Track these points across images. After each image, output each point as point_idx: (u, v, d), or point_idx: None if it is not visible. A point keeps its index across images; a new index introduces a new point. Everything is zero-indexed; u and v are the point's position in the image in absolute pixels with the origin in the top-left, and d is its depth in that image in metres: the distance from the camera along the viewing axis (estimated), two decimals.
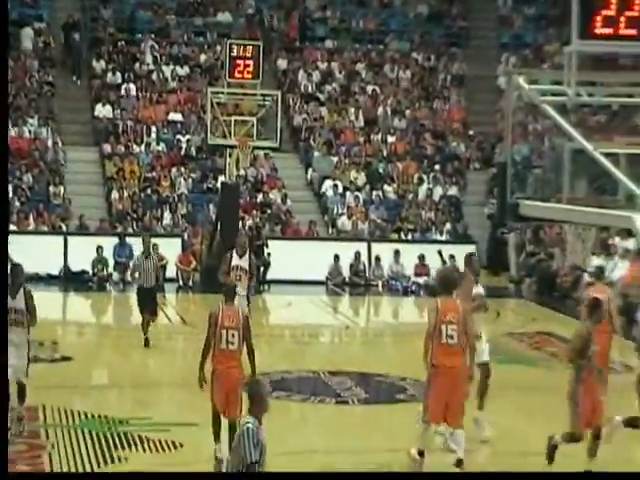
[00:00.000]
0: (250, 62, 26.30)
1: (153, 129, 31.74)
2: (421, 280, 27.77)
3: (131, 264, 20.24)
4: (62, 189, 29.59)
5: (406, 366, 18.37)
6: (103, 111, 32.01)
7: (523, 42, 35.72)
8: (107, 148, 31.07)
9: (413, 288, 27.69)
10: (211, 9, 35.66)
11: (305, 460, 12.75)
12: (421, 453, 11.79)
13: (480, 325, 13.10)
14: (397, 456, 12.61)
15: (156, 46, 34.18)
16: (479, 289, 13.44)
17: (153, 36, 34.50)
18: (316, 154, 31.99)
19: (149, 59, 33.84)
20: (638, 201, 7.71)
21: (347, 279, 27.94)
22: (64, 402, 14.99)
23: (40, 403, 14.71)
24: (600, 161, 7.86)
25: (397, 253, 28.05)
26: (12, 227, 27.64)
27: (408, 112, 33.67)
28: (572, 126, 8.07)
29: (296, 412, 15.22)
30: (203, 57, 34.16)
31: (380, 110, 33.57)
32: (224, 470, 11.23)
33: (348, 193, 30.85)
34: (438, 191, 31.36)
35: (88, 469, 12.46)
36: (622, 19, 7.89)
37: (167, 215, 29.42)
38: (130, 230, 28.34)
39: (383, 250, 28.26)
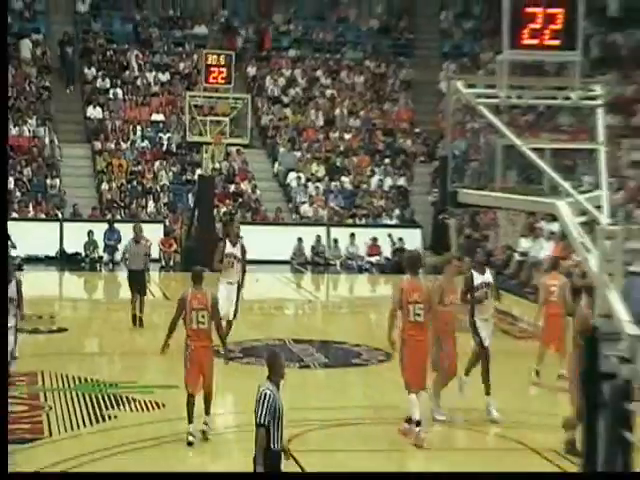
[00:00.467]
0: (223, 69, 26.27)
1: (138, 128, 31.68)
2: (373, 259, 27.88)
3: (122, 249, 20.00)
4: (58, 181, 29.54)
5: (360, 334, 18.51)
6: (94, 112, 31.88)
7: (462, 52, 35.80)
8: (97, 145, 30.98)
9: (366, 266, 27.79)
10: (189, 22, 35.55)
11: None
12: (410, 420, 11.60)
13: (487, 311, 12.66)
14: (353, 412, 12.68)
15: (140, 55, 34.05)
16: (485, 277, 12.72)
17: (138, 46, 34.35)
18: (281, 150, 31.98)
19: (134, 67, 33.70)
20: (560, 189, 7.74)
21: (309, 259, 28.00)
22: (60, 368, 14.97)
23: (39, 369, 14.69)
24: (528, 155, 7.88)
25: (352, 236, 28.12)
26: (14, 215, 27.62)
27: (362, 113, 33.71)
28: (504, 125, 8.08)
29: (263, 375, 15.20)
30: (182, 65, 34.06)
31: (337, 111, 33.59)
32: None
33: (310, 184, 30.88)
34: (388, 182, 31.44)
35: (82, 427, 12.43)
36: (546, 32, 7.92)
37: (151, 204, 29.41)
38: (118, 217, 28.37)
39: (340, 233, 28.33)
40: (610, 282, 7.22)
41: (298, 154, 31.87)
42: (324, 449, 11.76)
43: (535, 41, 7.89)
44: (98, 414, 12.86)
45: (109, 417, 12.76)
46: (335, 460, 11.26)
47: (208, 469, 11.09)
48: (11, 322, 11.96)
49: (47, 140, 30.66)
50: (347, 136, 32.85)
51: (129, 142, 31.25)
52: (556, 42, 7.91)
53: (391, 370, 15.48)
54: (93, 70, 33.14)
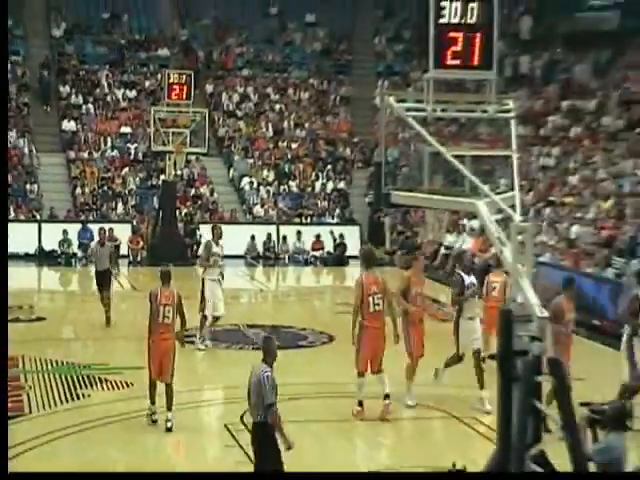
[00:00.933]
0: (184, 87, 26.11)
1: (108, 139, 31.42)
2: (317, 253, 27.90)
3: (90, 250, 19.39)
4: (36, 186, 29.25)
5: (306, 320, 18.53)
6: (68, 125, 31.55)
7: (393, 71, 35.91)
8: (72, 154, 30.67)
9: (311, 260, 27.80)
10: (153, 45, 35.29)
11: (231, 393, 12.75)
12: (360, 403, 11.50)
13: (473, 309, 12.37)
14: (301, 388, 12.66)
15: (110, 74, 33.74)
16: (471, 278, 12.43)
17: (108, 66, 34.01)
18: (236, 157, 31.88)
19: (104, 85, 33.40)
20: (479, 191, 7.79)
21: (261, 254, 27.92)
22: (39, 352, 14.85)
23: (20, 354, 14.49)
24: (451, 161, 7.92)
25: (299, 233, 28.11)
26: None
27: (307, 125, 33.69)
28: (430, 134, 8.10)
29: (223, 356, 15.17)
30: (147, 83, 33.79)
31: (285, 123, 33.55)
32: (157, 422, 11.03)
33: (261, 187, 30.83)
34: (330, 185, 31.47)
35: (59, 404, 12.31)
36: (466, 53, 7.96)
37: (120, 206, 29.20)
38: (91, 218, 28.17)
39: (288, 231, 28.30)
40: (522, 271, 7.29)
41: (251, 161, 31.79)
42: None
43: (457, 61, 7.92)
44: (73, 393, 12.78)
45: (83, 395, 12.69)
46: (287, 429, 11.24)
47: (169, 441, 11.02)
48: None
49: (26, 150, 30.29)
50: (294, 145, 32.81)
51: (100, 152, 30.98)
52: (475, 62, 7.95)
53: (333, 351, 15.58)
54: (67, 88, 32.77)
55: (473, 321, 12.31)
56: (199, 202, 29.77)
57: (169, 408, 11.06)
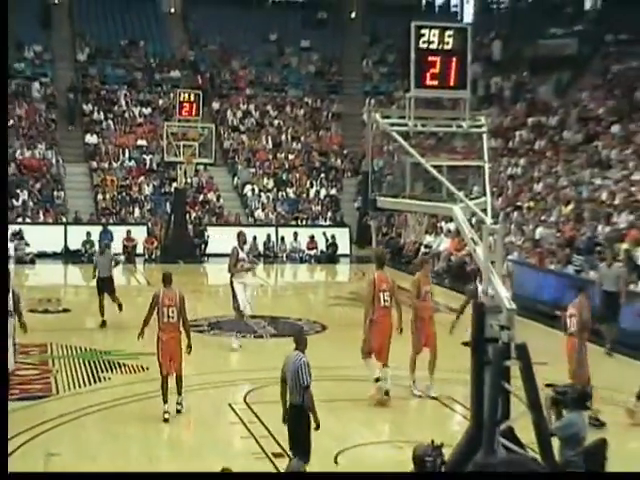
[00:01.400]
0: (193, 105, 26.01)
1: (126, 151, 31.29)
2: (312, 252, 27.86)
3: (93, 258, 17.46)
4: (63, 193, 29.11)
5: (301, 311, 18.51)
6: (91, 139, 31.44)
7: (379, 91, 35.83)
8: (94, 164, 30.55)
9: (306, 258, 27.75)
10: (166, 68, 35.22)
11: (234, 376, 12.73)
12: (377, 379, 11.34)
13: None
14: None
15: (128, 94, 33.64)
16: (472, 285, 12.07)
17: (126, 87, 33.91)
18: (239, 167, 31.82)
19: (123, 103, 33.30)
20: (455, 197, 7.79)
21: (261, 252, 27.85)
22: (65, 340, 14.81)
23: (48, 341, 14.50)
24: (430, 170, 7.92)
25: (295, 234, 28.06)
26: (27, 220, 27.24)
27: (302, 138, 33.66)
28: (411, 147, 8.10)
29: (227, 344, 15.16)
30: (161, 101, 33.71)
31: (283, 137, 33.51)
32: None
33: (262, 194, 30.78)
34: (323, 192, 31.45)
35: (84, 386, 12.28)
36: (443, 75, 7.96)
37: (137, 210, 29.11)
38: (111, 221, 28.05)
39: (286, 232, 28.23)
40: (492, 268, 7.28)
41: (252, 170, 31.73)
42: (276, 400, 11.71)
43: (435, 82, 7.92)
44: (96, 376, 12.76)
45: (104, 378, 12.67)
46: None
47: (181, 419, 11.00)
48: (10, 331, 10.44)
49: (54, 161, 30.16)
50: (291, 156, 32.77)
51: (119, 162, 30.87)
52: (451, 83, 7.96)
53: (326, 339, 15.56)
54: (90, 106, 32.66)
55: None
56: (207, 207, 29.73)
57: (179, 392, 10.97)
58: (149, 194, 29.81)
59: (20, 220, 27.05)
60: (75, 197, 29.37)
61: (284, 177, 31.76)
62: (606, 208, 20.48)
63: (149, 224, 27.99)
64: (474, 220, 7.80)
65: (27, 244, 25.54)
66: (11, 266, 23.39)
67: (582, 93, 28.86)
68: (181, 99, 26.17)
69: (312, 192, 31.34)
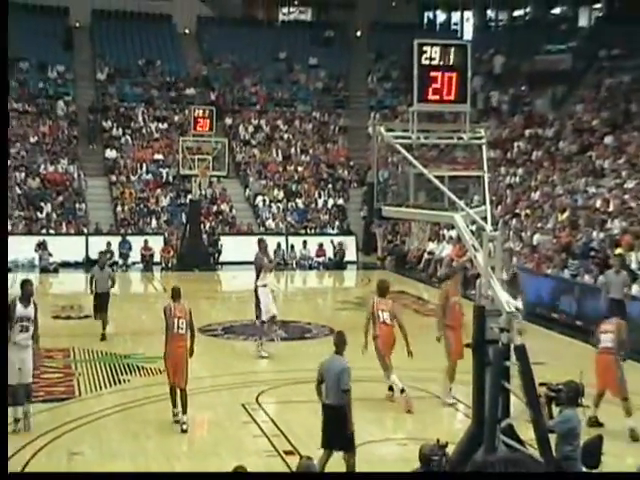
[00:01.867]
0: (207, 120, 26.01)
1: (144, 165, 31.33)
2: (320, 259, 27.83)
3: (90, 274, 16.32)
4: (84, 205, 29.13)
5: (310, 315, 18.49)
6: (110, 154, 31.49)
7: (384, 105, 35.90)
8: (113, 178, 30.58)
9: (315, 265, 27.73)
10: (181, 85, 35.32)
11: (246, 378, 12.71)
12: (403, 390, 11.27)
13: None
14: (306, 373, 12.57)
15: (145, 111, 33.71)
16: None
17: (143, 104, 33.98)
18: (251, 179, 31.84)
19: (140, 119, 33.40)
20: (456, 205, 7.79)
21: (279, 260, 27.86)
22: (87, 345, 14.82)
23: (71, 346, 14.51)
24: (433, 180, 7.92)
25: (305, 242, 28.05)
26: (51, 231, 27.32)
27: (310, 151, 33.67)
28: (415, 158, 8.11)
29: (240, 347, 15.16)
30: (176, 117, 33.74)
31: (292, 150, 33.53)
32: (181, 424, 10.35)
33: (272, 204, 30.78)
34: (330, 202, 31.43)
35: (104, 388, 12.29)
36: (445, 90, 7.97)
37: (154, 221, 29.11)
38: (130, 231, 28.01)
39: (295, 241, 28.22)
40: (492, 273, 7.27)
41: (263, 182, 31.74)
42: (287, 400, 11.75)
43: (437, 97, 7.94)
44: (116, 379, 12.78)
45: (124, 381, 12.69)
46: (293, 408, 11.24)
47: (196, 418, 10.98)
48: (27, 341, 10.21)
49: (75, 175, 30.18)
50: (300, 168, 32.77)
51: (137, 175, 30.91)
52: (451, 97, 7.97)
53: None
54: (109, 122, 32.76)
55: None
56: (220, 217, 29.74)
57: (184, 411, 10.52)
58: (166, 205, 29.85)
59: (44, 231, 27.10)
60: (96, 209, 29.43)
61: (293, 188, 31.78)
62: (600, 215, 20.42)
63: (166, 234, 28.02)
64: (475, 227, 7.79)
65: (50, 254, 25.60)
66: (36, 275, 23.47)
67: (577, 106, 28.84)
68: (195, 115, 26.22)
69: (320, 202, 31.34)
